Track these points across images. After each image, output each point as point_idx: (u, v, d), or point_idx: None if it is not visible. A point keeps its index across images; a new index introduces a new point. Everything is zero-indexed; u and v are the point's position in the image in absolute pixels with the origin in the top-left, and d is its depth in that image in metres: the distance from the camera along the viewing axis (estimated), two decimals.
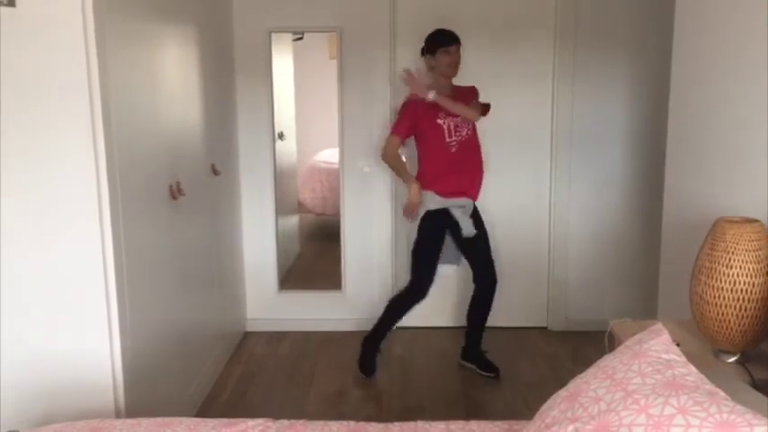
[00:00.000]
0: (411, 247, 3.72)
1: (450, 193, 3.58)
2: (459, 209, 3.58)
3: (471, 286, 4.20)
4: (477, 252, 3.70)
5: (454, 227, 3.60)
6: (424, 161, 3.66)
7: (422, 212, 3.63)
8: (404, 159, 3.81)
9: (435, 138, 3.57)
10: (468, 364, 3.78)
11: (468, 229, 3.58)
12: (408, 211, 3.71)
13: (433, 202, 3.59)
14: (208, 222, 3.56)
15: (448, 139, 3.56)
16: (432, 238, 3.64)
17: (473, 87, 3.71)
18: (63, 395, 2.41)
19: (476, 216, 3.67)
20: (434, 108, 3.53)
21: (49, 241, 2.34)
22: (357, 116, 4.21)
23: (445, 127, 3.56)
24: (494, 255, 3.75)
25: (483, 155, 3.68)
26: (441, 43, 3.58)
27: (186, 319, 3.18)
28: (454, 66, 3.58)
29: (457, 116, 3.55)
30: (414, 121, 3.61)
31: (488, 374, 3.69)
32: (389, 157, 3.69)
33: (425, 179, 3.63)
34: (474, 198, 3.66)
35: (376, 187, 4.22)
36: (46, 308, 2.38)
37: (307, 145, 5.93)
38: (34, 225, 2.33)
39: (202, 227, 3.45)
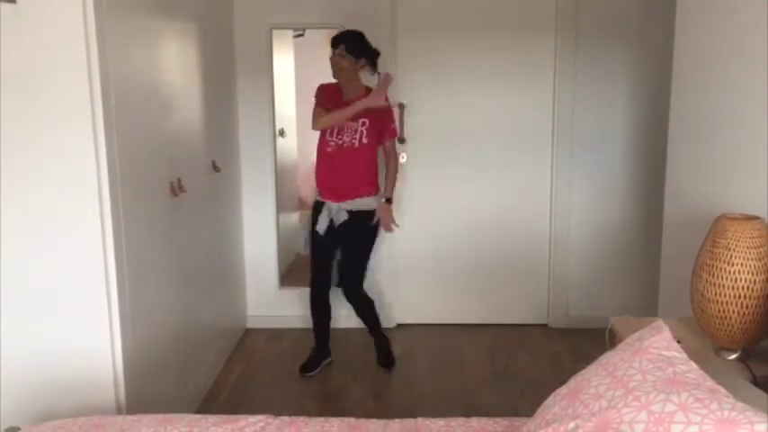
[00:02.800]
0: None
1: (324, 191, 3.63)
2: (326, 208, 3.61)
3: (473, 282, 4.22)
4: (342, 263, 3.74)
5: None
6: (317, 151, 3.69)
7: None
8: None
9: (322, 132, 3.60)
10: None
11: (321, 225, 3.61)
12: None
13: (316, 193, 3.69)
14: (208, 219, 3.56)
15: (328, 138, 3.56)
16: (313, 228, 3.68)
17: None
18: (64, 391, 2.42)
19: (354, 226, 3.61)
20: (333, 101, 3.53)
21: (50, 238, 2.34)
22: None
23: None
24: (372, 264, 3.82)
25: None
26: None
27: (187, 316, 3.18)
28: (336, 69, 3.55)
29: (352, 121, 3.50)
30: (323, 102, 3.58)
31: (382, 368, 3.80)
32: (321, 122, 3.53)
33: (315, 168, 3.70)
34: (337, 201, 3.58)
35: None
36: (47, 305, 2.38)
37: (307, 142, 5.89)
38: (35, 222, 2.33)
39: (203, 224, 3.45)
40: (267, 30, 4.15)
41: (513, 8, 4.12)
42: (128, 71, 2.52)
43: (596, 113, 4.17)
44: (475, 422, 1.93)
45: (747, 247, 1.93)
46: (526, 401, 3.35)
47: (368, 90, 3.56)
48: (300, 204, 5.78)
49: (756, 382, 1.84)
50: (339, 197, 3.58)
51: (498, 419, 1.96)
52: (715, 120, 2.57)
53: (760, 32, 2.23)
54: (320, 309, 3.79)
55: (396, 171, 3.71)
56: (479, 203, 4.14)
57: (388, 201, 3.68)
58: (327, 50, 3.64)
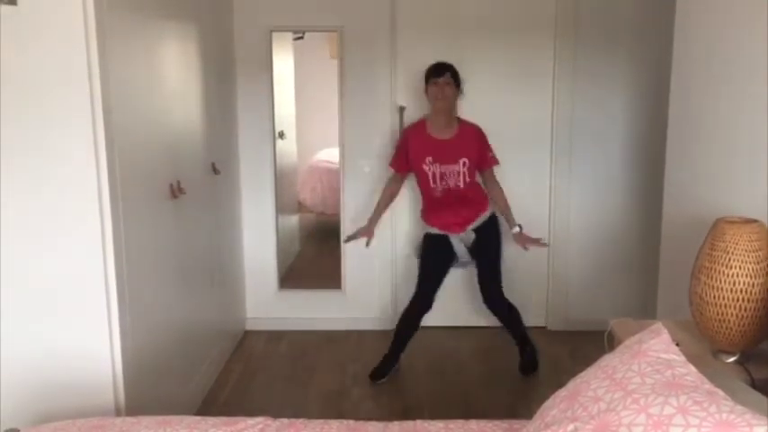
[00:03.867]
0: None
1: (443, 227, 3.63)
2: (455, 237, 3.62)
3: (472, 284, 4.22)
4: (481, 274, 3.71)
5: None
6: (421, 193, 3.72)
7: (423, 232, 3.75)
8: (386, 198, 3.83)
9: (422, 179, 3.61)
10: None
11: (461, 255, 3.64)
12: (348, 238, 3.87)
13: (431, 229, 3.68)
14: (208, 221, 3.57)
15: (432, 185, 3.58)
16: (429, 258, 3.69)
17: (478, 131, 3.64)
18: (63, 393, 2.42)
19: (483, 235, 3.64)
20: (425, 148, 3.55)
21: (50, 240, 2.34)
22: (357, 116, 4.21)
23: (430, 174, 3.56)
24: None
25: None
26: (429, 74, 3.57)
27: (186, 318, 3.18)
28: (441, 98, 3.51)
29: (448, 164, 3.52)
30: (407, 156, 3.64)
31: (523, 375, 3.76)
32: (384, 189, 3.82)
33: (423, 210, 3.74)
34: (459, 232, 3.61)
35: (376, 187, 4.21)
36: (46, 306, 2.38)
37: (307, 144, 5.93)
38: (35, 223, 2.33)
39: (203, 226, 3.46)
40: (267, 32, 4.16)
41: (513, 12, 4.12)
42: (128, 73, 2.52)
43: (595, 117, 4.18)
44: (474, 424, 1.93)
45: (746, 251, 1.94)
46: (525, 404, 3.35)
47: (460, 122, 3.61)
48: (300, 207, 5.79)
49: (755, 384, 1.84)
50: (462, 227, 3.60)
51: (497, 422, 1.96)
52: (714, 123, 2.57)
53: (759, 36, 2.24)
54: (413, 325, 3.73)
55: (504, 197, 3.71)
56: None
57: (520, 227, 3.67)
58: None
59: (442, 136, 3.57)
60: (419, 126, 3.66)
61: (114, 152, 2.36)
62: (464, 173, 3.54)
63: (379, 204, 3.82)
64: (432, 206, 3.65)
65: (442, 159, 3.53)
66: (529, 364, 3.75)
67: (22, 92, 2.26)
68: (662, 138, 3.04)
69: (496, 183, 3.71)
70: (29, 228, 2.33)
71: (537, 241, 3.70)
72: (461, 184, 3.55)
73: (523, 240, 3.67)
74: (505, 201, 3.70)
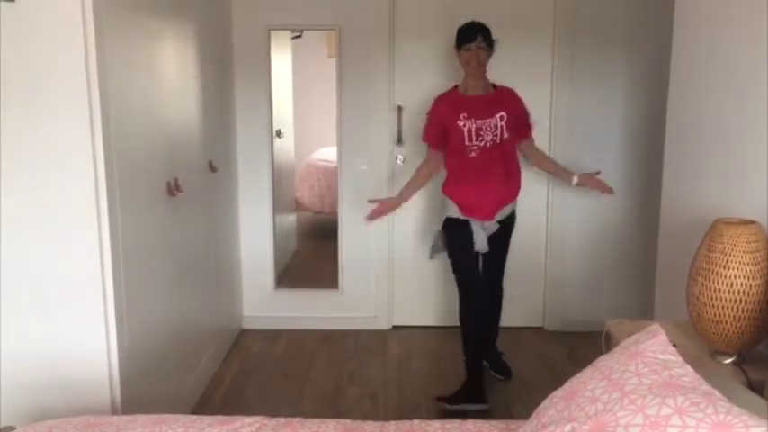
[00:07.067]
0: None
1: (469, 207, 3.32)
2: (477, 223, 3.35)
3: None
4: (488, 264, 3.49)
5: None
6: (447, 164, 3.44)
7: (442, 217, 3.44)
8: (424, 175, 3.51)
9: (456, 140, 3.30)
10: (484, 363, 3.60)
11: (480, 244, 3.35)
12: (372, 214, 3.55)
13: (453, 210, 3.37)
14: (205, 219, 3.56)
15: (467, 143, 3.27)
16: (458, 246, 3.41)
17: (516, 93, 3.44)
18: (59, 391, 2.41)
19: (503, 229, 3.43)
20: (459, 106, 3.29)
21: (47, 237, 2.34)
22: (355, 115, 4.21)
23: (465, 130, 3.25)
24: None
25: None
26: (460, 39, 3.33)
27: (182, 316, 3.18)
28: (475, 64, 3.27)
29: (484, 119, 3.26)
30: (440, 122, 3.36)
31: (500, 377, 3.65)
32: (419, 167, 3.51)
33: (447, 183, 3.43)
34: (489, 218, 3.34)
35: (373, 186, 4.22)
36: (42, 304, 2.38)
37: (305, 143, 5.93)
38: (31, 221, 2.33)
39: (200, 224, 3.45)
40: (265, 31, 4.15)
41: (512, 11, 4.12)
42: (126, 71, 2.52)
43: (593, 116, 4.18)
44: (470, 425, 1.93)
45: (743, 252, 1.94)
46: (522, 404, 3.35)
47: (494, 87, 3.38)
48: (297, 205, 5.79)
49: (751, 386, 1.84)
50: (491, 214, 3.34)
51: (494, 422, 1.96)
52: (712, 123, 2.57)
53: (758, 37, 2.24)
54: (481, 321, 3.46)
55: (549, 157, 3.60)
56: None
57: (582, 175, 3.46)
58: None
59: (477, 93, 3.34)
60: (451, 91, 3.41)
61: (112, 150, 2.36)
62: (502, 127, 3.26)
63: (413, 181, 3.52)
64: (462, 173, 3.33)
65: (478, 114, 3.26)
66: (504, 366, 3.70)
67: (19, 89, 2.25)
68: (660, 138, 3.04)
69: (537, 149, 3.53)
70: (25, 225, 2.33)
71: (603, 185, 3.46)
72: (498, 140, 3.26)
73: (591, 182, 3.44)
74: (552, 160, 3.57)
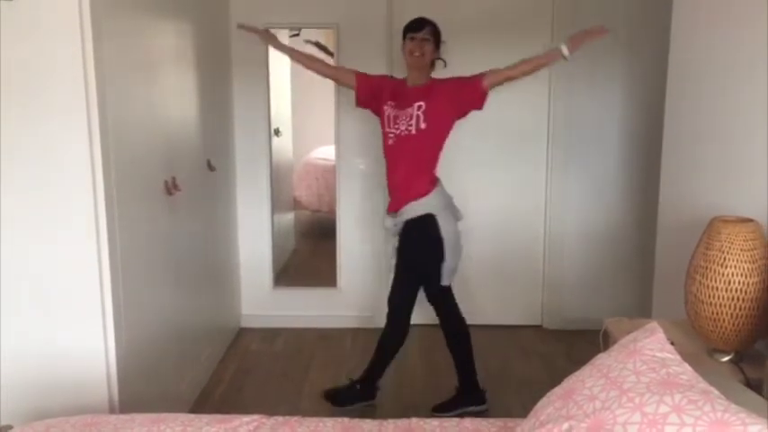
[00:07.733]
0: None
1: (389, 196, 3.28)
2: (389, 218, 3.28)
3: (467, 283, 4.21)
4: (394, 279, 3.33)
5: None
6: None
7: None
8: (311, 57, 3.49)
9: (382, 124, 3.26)
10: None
11: (391, 231, 3.30)
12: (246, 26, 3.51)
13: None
14: (203, 218, 3.56)
15: (387, 128, 3.21)
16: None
17: (444, 79, 3.25)
18: (57, 390, 2.41)
19: (406, 234, 3.21)
20: (395, 92, 3.23)
21: (45, 236, 2.33)
22: (353, 113, 4.20)
23: (386, 114, 3.21)
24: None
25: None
26: (406, 29, 3.25)
27: (181, 315, 3.18)
28: (418, 53, 3.18)
29: (403, 108, 3.16)
30: (379, 85, 3.33)
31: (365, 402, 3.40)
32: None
33: None
34: (395, 210, 3.21)
35: (371, 185, 4.22)
36: (40, 303, 2.38)
37: (303, 142, 5.93)
38: (29, 220, 2.32)
39: (198, 223, 3.45)
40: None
41: (510, 11, 4.12)
42: (123, 69, 2.51)
43: (592, 116, 4.18)
44: (468, 423, 1.94)
45: (741, 250, 1.94)
46: (520, 402, 3.35)
47: (433, 81, 3.23)
48: (295, 204, 5.79)
49: (749, 384, 1.85)
50: (396, 207, 3.22)
51: (492, 420, 1.96)
52: (710, 122, 2.58)
53: (756, 36, 2.24)
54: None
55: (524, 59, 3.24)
56: (474, 205, 4.12)
57: (570, 40, 3.08)
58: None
59: (414, 85, 3.24)
60: (401, 79, 3.37)
61: (109, 148, 2.35)
62: (418, 116, 3.10)
63: (299, 52, 3.51)
64: (386, 160, 3.26)
65: (400, 103, 3.18)
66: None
67: (16, 87, 2.25)
68: (658, 137, 3.04)
69: (504, 68, 3.24)
70: (23, 224, 2.33)
71: (593, 33, 3.09)
72: (414, 130, 3.10)
73: (582, 39, 3.08)
74: (527, 58, 3.22)
